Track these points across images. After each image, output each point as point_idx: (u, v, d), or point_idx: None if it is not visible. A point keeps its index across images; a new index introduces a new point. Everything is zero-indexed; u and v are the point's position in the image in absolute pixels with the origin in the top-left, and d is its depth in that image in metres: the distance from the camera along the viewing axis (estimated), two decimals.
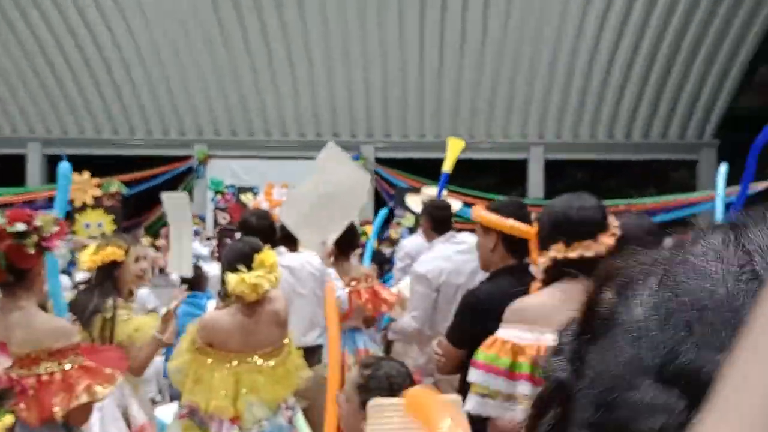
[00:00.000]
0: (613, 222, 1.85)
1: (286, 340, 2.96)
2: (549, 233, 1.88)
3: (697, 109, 13.06)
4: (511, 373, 1.82)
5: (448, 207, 3.94)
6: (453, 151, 5.81)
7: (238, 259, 2.76)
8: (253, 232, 3.37)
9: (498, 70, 12.48)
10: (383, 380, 1.76)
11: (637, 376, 0.29)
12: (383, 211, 5.94)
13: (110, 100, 12.89)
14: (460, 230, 3.86)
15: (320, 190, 3.86)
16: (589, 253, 1.78)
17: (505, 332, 1.88)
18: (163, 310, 4.51)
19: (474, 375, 1.91)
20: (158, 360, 4.03)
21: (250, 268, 2.73)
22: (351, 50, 12.14)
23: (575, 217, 1.85)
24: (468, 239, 3.37)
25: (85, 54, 12.21)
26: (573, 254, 1.80)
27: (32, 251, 2.14)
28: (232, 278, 2.73)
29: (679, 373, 0.28)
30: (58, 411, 2.12)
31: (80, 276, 4.27)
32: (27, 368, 2.12)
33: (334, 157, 4.03)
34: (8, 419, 2.02)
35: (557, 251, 1.84)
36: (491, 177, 14.20)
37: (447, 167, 5.65)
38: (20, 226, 2.10)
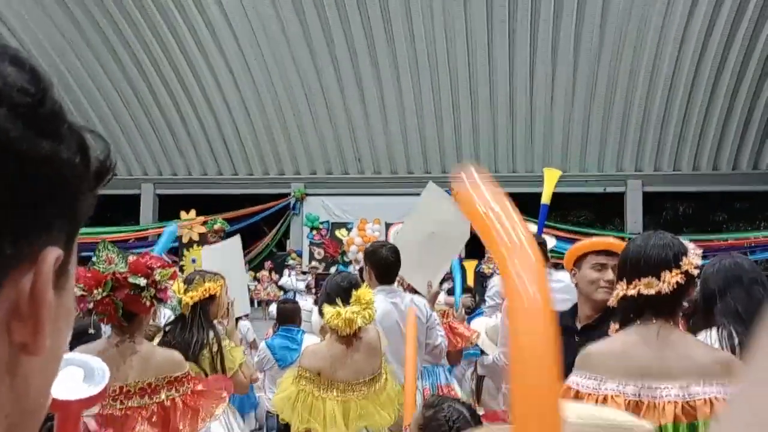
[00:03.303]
0: (691, 261, 1.80)
1: (382, 369, 3.00)
2: (618, 272, 1.89)
3: None
4: None
5: (543, 243, 3.89)
6: (550, 182, 5.71)
7: (337, 293, 2.84)
8: (377, 265, 3.43)
9: (591, 103, 12.24)
10: (443, 423, 1.79)
11: None
12: (455, 263, 5.78)
13: (215, 142, 13.72)
14: (556, 266, 3.79)
15: (423, 231, 3.90)
16: (647, 291, 1.75)
17: (571, 379, 1.87)
18: (262, 344, 4.72)
19: None
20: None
21: (346, 302, 2.81)
22: (441, 90, 12.33)
23: (635, 255, 1.83)
24: (564, 278, 3.34)
25: (193, 101, 13.12)
26: (632, 291, 1.79)
27: (148, 304, 2.32)
28: (328, 311, 2.80)
29: None
30: None
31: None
32: (148, 397, 2.31)
33: (435, 197, 4.09)
34: None
35: (621, 288, 1.84)
36: (588, 211, 13.84)
37: (545, 198, 5.56)
38: (141, 281, 2.26)
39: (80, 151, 0.38)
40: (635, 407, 1.72)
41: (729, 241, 11.49)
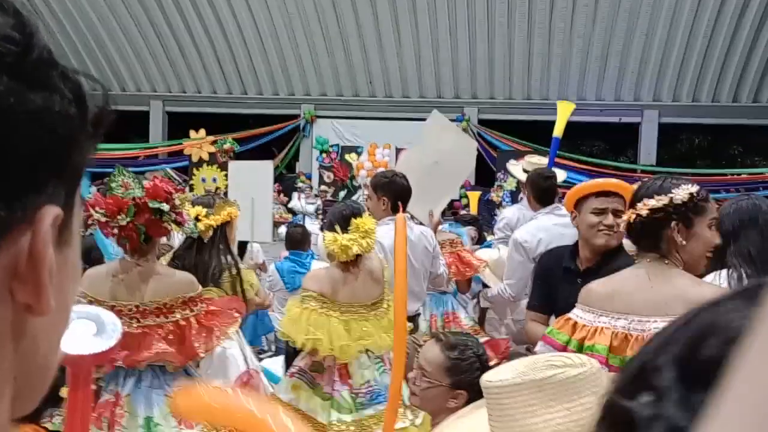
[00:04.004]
0: (651, 201, 1.87)
1: (384, 296, 3.06)
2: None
3: None
4: (564, 348, 1.89)
5: (552, 176, 3.84)
6: (563, 115, 5.60)
7: (337, 220, 2.87)
8: (393, 194, 3.43)
9: (611, 28, 11.83)
10: (474, 360, 1.81)
11: None
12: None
13: (225, 61, 13.47)
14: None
15: (427, 160, 3.87)
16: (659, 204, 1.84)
17: (573, 311, 1.99)
18: (271, 267, 4.79)
19: (537, 346, 2.03)
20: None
21: (346, 230, 2.84)
22: (457, 10, 11.92)
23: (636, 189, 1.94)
24: None
25: (203, 19, 12.79)
26: (644, 211, 1.86)
27: (169, 227, 2.36)
28: (327, 237, 2.86)
29: None
30: (201, 351, 2.38)
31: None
32: (164, 316, 2.39)
33: (439, 126, 4.03)
34: None
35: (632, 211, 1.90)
36: (601, 141, 13.66)
37: (558, 132, 5.47)
38: (164, 206, 2.30)
39: (76, 100, 0.36)
40: (623, 340, 1.83)
41: (743, 176, 11.37)
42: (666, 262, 1.86)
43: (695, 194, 1.85)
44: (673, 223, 1.84)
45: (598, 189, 2.60)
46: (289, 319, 2.86)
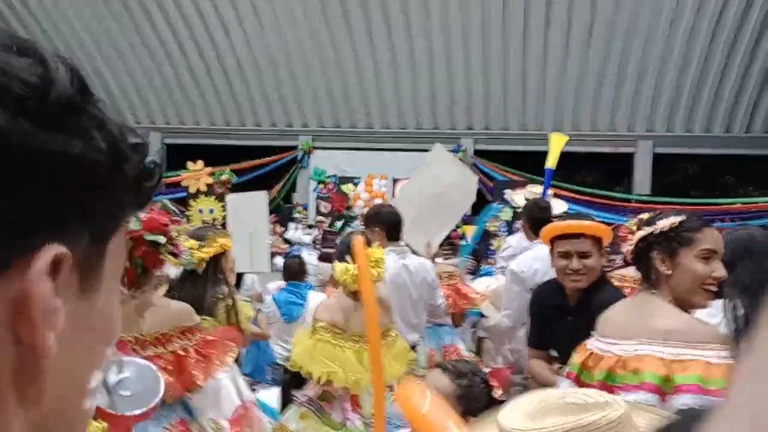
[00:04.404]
0: (634, 236, 1.92)
1: (391, 325, 3.06)
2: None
3: None
4: (577, 377, 1.90)
5: (546, 208, 3.89)
6: (555, 147, 5.69)
7: (347, 250, 2.89)
8: (385, 224, 3.47)
9: (605, 59, 12.01)
10: (483, 387, 1.81)
11: None
12: (493, 208, 5.85)
13: (223, 93, 13.59)
14: None
15: (427, 191, 3.91)
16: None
17: (590, 341, 2.01)
18: (267, 298, 4.78)
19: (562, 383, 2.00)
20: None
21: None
22: (452, 42, 12.10)
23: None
24: None
25: (202, 50, 12.94)
26: (632, 242, 1.94)
27: (165, 259, 2.37)
28: (338, 267, 2.89)
29: None
30: (200, 381, 2.38)
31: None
32: (163, 347, 2.39)
33: (442, 158, 4.07)
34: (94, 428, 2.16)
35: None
36: (595, 171, 13.74)
37: (551, 163, 5.54)
38: (161, 238, 2.32)
39: (110, 151, 0.36)
40: (597, 360, 1.89)
41: (737, 206, 11.43)
42: (652, 292, 1.87)
43: (679, 224, 1.86)
44: (654, 252, 1.85)
45: (563, 231, 2.60)
46: (302, 350, 2.87)
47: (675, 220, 1.87)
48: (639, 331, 1.81)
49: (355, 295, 2.88)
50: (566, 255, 2.53)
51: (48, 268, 0.34)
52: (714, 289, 1.91)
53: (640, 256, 1.91)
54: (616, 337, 1.87)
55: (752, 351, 0.25)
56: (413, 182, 4.21)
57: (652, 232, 1.87)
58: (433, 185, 3.93)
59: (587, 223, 2.59)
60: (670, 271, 1.86)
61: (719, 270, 1.88)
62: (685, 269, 1.85)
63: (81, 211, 0.36)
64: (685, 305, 1.89)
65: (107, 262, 0.39)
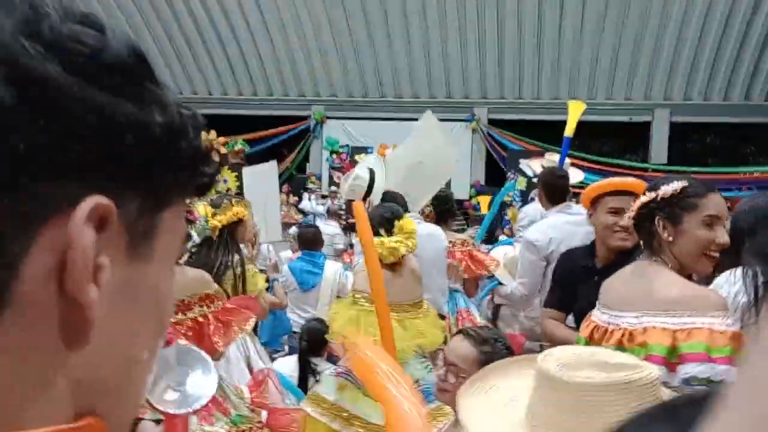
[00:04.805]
0: (644, 197, 1.89)
1: (422, 295, 3.10)
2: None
3: None
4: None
5: (564, 176, 3.85)
6: (573, 115, 5.59)
7: (380, 223, 2.91)
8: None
9: (622, 26, 11.79)
10: (506, 353, 1.81)
11: None
12: (510, 184, 5.82)
13: (235, 63, 13.53)
14: (576, 196, 3.77)
15: (413, 159, 3.93)
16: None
17: (593, 312, 2.01)
18: (284, 267, 4.82)
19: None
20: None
21: (390, 232, 2.90)
22: (466, 10, 11.92)
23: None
24: (582, 211, 3.33)
25: (214, 20, 12.86)
26: (635, 208, 1.91)
27: None
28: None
29: None
30: (221, 346, 2.43)
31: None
32: (182, 313, 2.44)
33: (429, 126, 4.06)
34: None
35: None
36: (612, 141, 13.59)
37: (569, 131, 5.46)
38: None
39: (166, 123, 0.38)
40: (603, 334, 1.86)
41: (756, 175, 11.29)
42: (654, 259, 1.85)
43: (682, 189, 1.83)
44: (656, 219, 1.83)
45: (614, 188, 2.59)
46: (345, 321, 2.87)
47: (678, 185, 1.83)
48: (643, 301, 1.79)
49: (390, 266, 2.90)
50: (617, 212, 2.52)
51: (90, 216, 0.35)
52: (716, 255, 1.89)
53: (642, 223, 1.89)
54: (619, 308, 1.85)
55: (756, 338, 0.25)
56: (401, 148, 4.22)
57: (655, 198, 1.84)
58: (418, 152, 3.95)
59: (639, 181, 2.58)
60: (671, 238, 1.83)
61: (722, 236, 1.85)
62: (689, 235, 1.82)
63: (130, 173, 0.37)
64: (688, 272, 1.87)
65: (161, 235, 0.40)
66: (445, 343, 2.92)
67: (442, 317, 3.70)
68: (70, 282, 0.35)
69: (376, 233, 2.86)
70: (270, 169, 4.91)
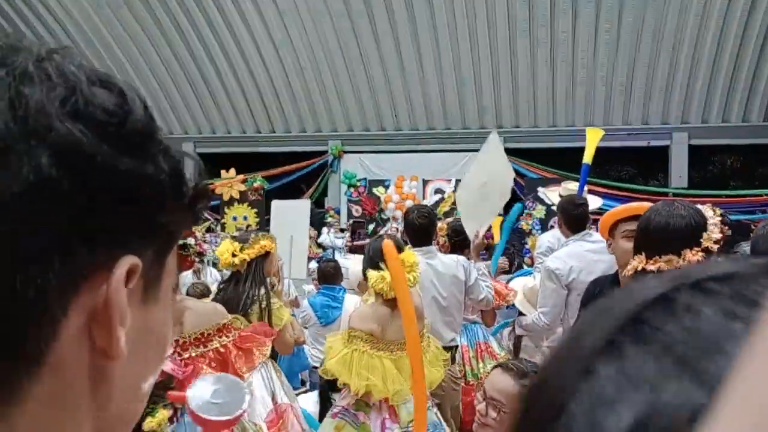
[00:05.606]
0: (710, 236, 1.77)
1: (425, 330, 3.03)
2: (636, 242, 1.87)
3: None
4: None
5: (583, 204, 3.83)
6: (592, 142, 5.57)
7: (380, 257, 2.76)
8: (410, 227, 3.52)
9: (635, 51, 11.81)
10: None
11: None
12: (518, 207, 5.80)
13: (253, 101, 13.76)
14: (595, 223, 3.75)
15: (479, 179, 3.94)
16: (667, 269, 1.74)
17: None
18: (305, 302, 4.83)
19: None
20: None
21: None
22: (479, 39, 12.05)
23: (657, 231, 1.81)
24: (602, 238, 3.30)
25: (231, 59, 13.14)
26: (652, 267, 1.78)
27: (194, 259, 2.45)
28: (372, 275, 2.81)
29: None
30: (245, 373, 2.45)
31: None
32: (203, 345, 2.47)
33: (495, 146, 4.07)
34: (163, 414, 2.26)
35: (639, 261, 1.81)
36: (629, 166, 13.51)
37: (587, 158, 5.45)
38: (190, 240, 2.39)
39: (171, 173, 0.40)
40: None
41: None
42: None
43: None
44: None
45: (628, 214, 2.59)
46: (338, 360, 2.81)
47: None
48: None
49: (390, 302, 2.80)
50: (633, 236, 2.52)
51: (125, 277, 0.37)
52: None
53: None
54: None
55: (757, 333, 0.24)
56: (472, 169, 4.25)
57: (714, 245, 1.82)
58: (483, 173, 3.95)
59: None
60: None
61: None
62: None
63: (149, 228, 0.39)
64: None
65: (165, 277, 0.43)
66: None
67: (455, 347, 3.66)
68: (103, 338, 0.37)
69: (377, 267, 2.80)
70: (302, 207, 4.96)
